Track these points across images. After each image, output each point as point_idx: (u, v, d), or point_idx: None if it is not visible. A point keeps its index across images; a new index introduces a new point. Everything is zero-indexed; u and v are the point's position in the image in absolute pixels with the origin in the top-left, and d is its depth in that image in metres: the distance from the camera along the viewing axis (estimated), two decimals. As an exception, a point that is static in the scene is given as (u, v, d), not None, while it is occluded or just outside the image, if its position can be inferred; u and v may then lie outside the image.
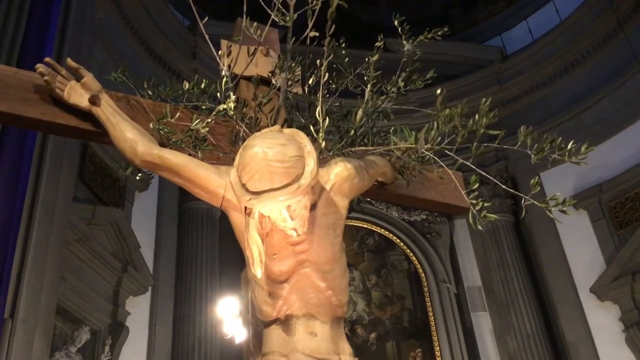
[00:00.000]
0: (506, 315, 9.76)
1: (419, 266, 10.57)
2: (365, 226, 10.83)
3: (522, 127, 2.12)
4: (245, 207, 1.89)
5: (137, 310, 7.95)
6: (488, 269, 10.36)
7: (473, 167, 2.22)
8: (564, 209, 2.05)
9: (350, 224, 10.44)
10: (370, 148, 2.45)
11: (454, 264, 10.60)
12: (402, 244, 10.79)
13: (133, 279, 7.89)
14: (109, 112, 2.26)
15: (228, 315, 6.56)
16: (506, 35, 12.35)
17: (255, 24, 2.36)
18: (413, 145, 2.22)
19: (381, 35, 2.55)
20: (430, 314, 10.09)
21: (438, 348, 9.77)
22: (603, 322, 9.06)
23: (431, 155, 2.28)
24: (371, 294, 10.32)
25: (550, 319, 9.74)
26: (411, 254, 10.69)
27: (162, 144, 2.28)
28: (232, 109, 2.35)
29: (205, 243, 9.29)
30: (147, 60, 9.73)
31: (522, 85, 11.31)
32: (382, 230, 10.86)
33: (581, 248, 9.57)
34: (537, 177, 2.18)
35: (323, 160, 2.28)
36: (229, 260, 8.81)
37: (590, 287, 9.25)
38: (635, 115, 9.47)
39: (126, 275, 7.74)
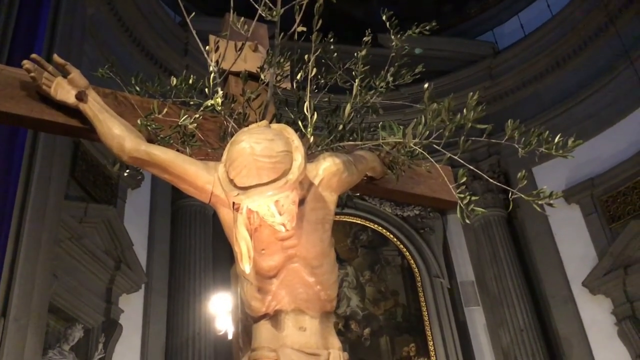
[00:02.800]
0: (499, 310, 9.80)
1: (412, 261, 10.61)
2: (358, 222, 10.85)
3: (509, 121, 2.12)
4: (234, 203, 1.88)
5: (131, 308, 7.95)
6: (481, 264, 10.40)
7: (462, 161, 2.22)
8: (551, 202, 2.05)
9: (344, 219, 10.46)
10: (359, 143, 2.44)
11: (447, 259, 10.64)
12: (395, 239, 10.82)
13: (126, 277, 7.88)
14: (96, 109, 2.25)
15: (221, 312, 6.57)
16: (498, 30, 12.39)
17: (243, 19, 2.35)
18: (401, 140, 2.22)
19: (368, 30, 2.54)
20: (424, 309, 10.13)
21: (432, 343, 9.81)
22: (595, 315, 9.12)
23: (420, 150, 2.28)
24: (365, 290, 10.35)
25: (543, 313, 9.80)
26: (404, 249, 10.73)
27: (150, 140, 2.26)
28: (220, 104, 2.34)
29: (199, 240, 9.28)
30: (139, 56, 9.70)
31: (514, 80, 11.35)
32: (376, 225, 10.88)
33: (573, 242, 9.63)
34: (523, 171, 2.18)
35: (312, 156, 2.27)
36: (222, 256, 8.80)
37: (583, 281, 9.31)
38: (626, 109, 9.51)
39: (119, 272, 7.73)
